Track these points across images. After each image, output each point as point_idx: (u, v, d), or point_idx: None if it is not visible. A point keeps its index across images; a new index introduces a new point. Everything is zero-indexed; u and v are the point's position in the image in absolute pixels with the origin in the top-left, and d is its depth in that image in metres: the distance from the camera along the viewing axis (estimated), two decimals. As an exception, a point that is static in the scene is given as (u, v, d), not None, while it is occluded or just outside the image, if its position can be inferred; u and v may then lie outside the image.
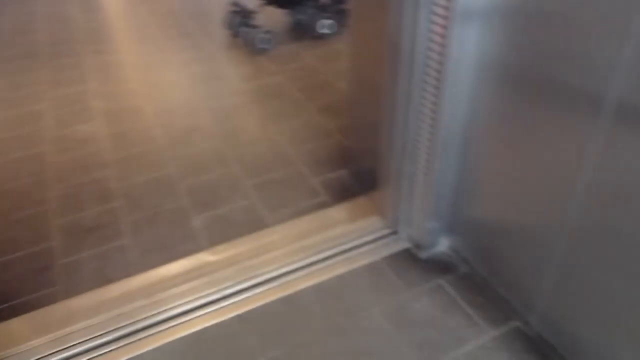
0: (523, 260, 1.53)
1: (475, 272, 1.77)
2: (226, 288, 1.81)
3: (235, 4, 3.75)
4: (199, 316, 1.73)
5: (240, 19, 3.69)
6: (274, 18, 3.95)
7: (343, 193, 2.22)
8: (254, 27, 3.59)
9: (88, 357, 1.61)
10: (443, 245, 1.90)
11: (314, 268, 1.87)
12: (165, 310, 1.73)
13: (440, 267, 1.84)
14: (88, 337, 1.66)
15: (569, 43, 1.16)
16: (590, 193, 1.22)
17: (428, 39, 1.46)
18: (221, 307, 1.76)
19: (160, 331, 1.68)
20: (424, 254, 1.88)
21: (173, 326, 1.69)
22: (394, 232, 2.00)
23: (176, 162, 2.51)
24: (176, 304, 1.76)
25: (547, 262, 1.42)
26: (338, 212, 2.14)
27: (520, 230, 1.50)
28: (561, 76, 1.20)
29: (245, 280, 1.83)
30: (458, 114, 1.55)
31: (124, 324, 1.69)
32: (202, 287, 1.82)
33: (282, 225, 2.09)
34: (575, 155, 1.23)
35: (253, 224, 2.10)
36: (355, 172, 2.29)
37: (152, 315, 1.72)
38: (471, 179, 1.64)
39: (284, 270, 1.86)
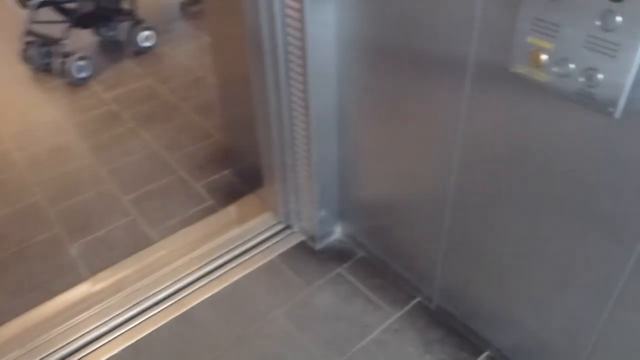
0: (415, 235, 1.52)
1: (372, 255, 1.75)
2: (114, 318, 1.66)
3: (32, 33, 3.10)
4: (87, 355, 1.56)
5: (45, 49, 3.12)
6: (82, 41, 3.45)
7: (230, 194, 2.12)
8: (66, 55, 2.98)
9: None
10: (338, 233, 1.87)
11: (207, 279, 1.76)
12: (45, 357, 1.55)
13: (337, 255, 1.80)
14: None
15: (424, 10, 1.14)
16: (465, 157, 1.22)
17: (285, 24, 1.38)
18: (111, 340, 1.61)
19: (42, 382, 1.50)
20: (319, 245, 1.83)
21: (57, 373, 1.52)
22: (287, 227, 1.94)
23: (42, 187, 2.27)
24: (58, 346, 1.58)
25: (437, 233, 1.42)
26: (226, 215, 2.04)
27: (408, 205, 1.48)
28: (423, 44, 1.18)
29: (134, 305, 1.69)
30: (329, 97, 1.50)
31: (-4, 382, 1.50)
32: (87, 322, 1.65)
33: (168, 239, 1.96)
34: (449, 122, 1.21)
35: (137, 243, 1.94)
36: (240, 170, 2.19)
37: (30, 366, 1.53)
38: (353, 161, 1.61)
39: (175, 287, 1.74)
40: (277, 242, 1.89)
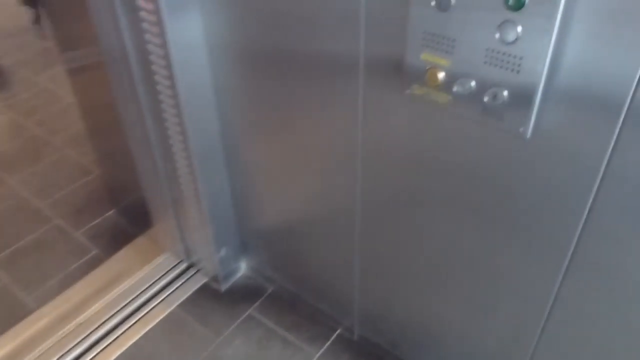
0: (326, 260, 1.38)
1: (284, 288, 1.60)
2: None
3: None
4: None
5: None
6: None
7: (117, 239, 1.88)
8: None
9: None
10: (243, 269, 1.69)
11: (100, 347, 1.53)
12: None
13: (245, 295, 1.63)
14: None
15: (303, 7, 0.98)
16: (368, 168, 1.09)
17: (144, 40, 1.17)
18: None
19: None
20: (224, 286, 1.65)
21: None
22: (189, 267, 1.74)
23: None
24: None
25: (349, 255, 1.29)
26: (115, 264, 1.80)
27: (314, 228, 1.34)
28: (307, 45, 1.02)
29: (13, 396, 1.42)
30: (208, 117, 1.32)
31: None
32: None
33: (49, 304, 1.69)
34: (346, 131, 1.07)
35: (12, 314, 1.66)
36: (125, 209, 1.95)
37: None
38: (247, 188, 1.44)
39: (60, 365, 1.49)
40: (178, 288, 1.69)
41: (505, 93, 0.77)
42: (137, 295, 1.67)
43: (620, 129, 0.72)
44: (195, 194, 1.43)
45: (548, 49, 0.70)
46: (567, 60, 0.72)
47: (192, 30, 1.17)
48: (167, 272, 1.74)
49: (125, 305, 1.65)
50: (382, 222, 1.15)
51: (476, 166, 0.90)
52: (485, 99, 0.79)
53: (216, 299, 1.62)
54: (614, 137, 0.73)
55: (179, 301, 1.64)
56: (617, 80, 0.69)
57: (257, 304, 1.60)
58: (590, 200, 0.81)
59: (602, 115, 0.72)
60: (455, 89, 0.81)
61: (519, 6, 0.69)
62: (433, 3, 0.77)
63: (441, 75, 0.82)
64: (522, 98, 0.76)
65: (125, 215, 1.96)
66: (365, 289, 1.33)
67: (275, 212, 1.43)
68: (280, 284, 1.60)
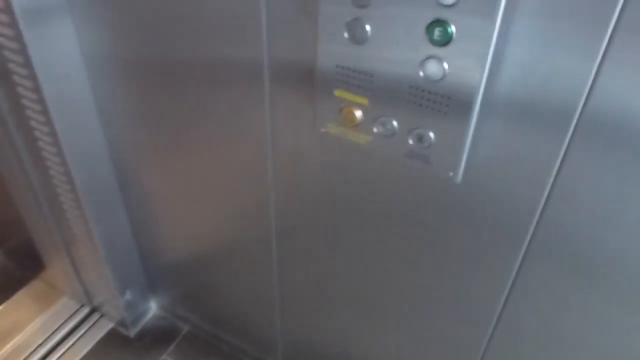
0: (242, 294, 1.25)
1: (200, 328, 1.46)
2: None
3: None
4: None
5: None
6: None
7: (5, 286, 1.65)
8: None
9: None
10: (154, 309, 1.53)
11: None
12: None
13: (158, 338, 1.47)
14: None
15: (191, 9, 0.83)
16: (280, 192, 0.97)
17: (5, 59, 0.98)
18: None
19: None
20: (134, 331, 1.48)
21: None
22: (92, 311, 1.55)
23: None
24: None
25: (267, 289, 1.17)
26: (9, 312, 1.57)
27: (227, 261, 1.21)
28: (202, 51, 0.87)
29: None
30: (95, 150, 1.15)
31: None
32: None
33: None
34: (252, 149, 0.93)
35: None
36: (12, 250, 1.72)
37: None
38: (149, 222, 1.28)
39: None
40: (82, 336, 1.50)
41: (432, 135, 0.68)
42: (36, 349, 1.47)
43: (556, 177, 0.65)
44: (87, 235, 1.25)
45: (479, 88, 0.61)
46: (501, 98, 0.63)
47: (63, 45, 0.99)
48: (68, 318, 1.55)
49: (18, 362, 1.44)
50: (300, 253, 1.04)
51: (400, 207, 0.81)
52: (410, 141, 0.70)
53: (126, 346, 1.46)
54: (549, 183, 0.66)
55: (84, 352, 1.45)
56: (556, 120, 0.62)
57: (171, 347, 1.45)
58: (525, 245, 0.74)
59: (540, 153, 0.65)
60: (375, 129, 0.71)
61: (445, 41, 0.60)
62: (346, 35, 0.66)
63: (359, 114, 0.72)
64: (450, 141, 0.67)
65: (12, 258, 1.73)
66: (288, 325, 1.23)
67: (183, 245, 1.28)
68: (196, 323, 1.46)
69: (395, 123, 0.70)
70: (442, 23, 0.59)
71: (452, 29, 0.59)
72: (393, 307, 0.98)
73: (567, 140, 0.62)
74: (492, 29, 0.57)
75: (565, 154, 0.63)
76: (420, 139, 0.69)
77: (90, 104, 1.09)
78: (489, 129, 0.66)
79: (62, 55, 0.99)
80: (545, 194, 0.68)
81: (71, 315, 1.55)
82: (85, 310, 1.55)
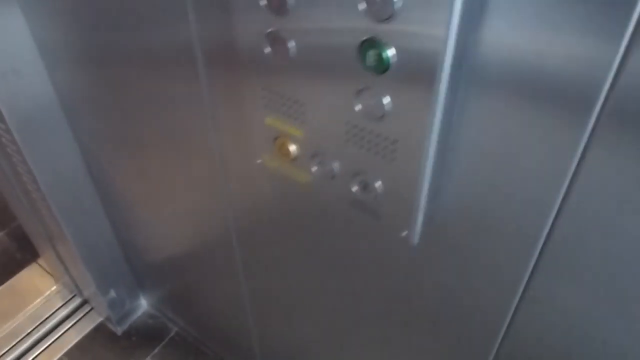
0: (218, 303, 1.13)
1: (188, 331, 1.36)
2: None
3: None
4: None
5: None
6: None
7: (5, 266, 1.61)
8: None
9: None
10: (144, 306, 1.45)
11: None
12: None
13: (145, 338, 1.39)
14: None
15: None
16: (238, 199, 0.82)
17: None
18: None
19: None
20: (121, 327, 1.41)
21: None
22: (84, 302, 1.49)
23: None
24: None
25: (237, 295, 1.04)
26: (5, 294, 1.55)
27: (199, 263, 1.09)
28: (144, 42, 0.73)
29: None
30: (60, 147, 1.05)
31: None
32: None
33: None
34: (205, 153, 0.79)
35: None
36: (16, 230, 1.68)
37: None
38: (130, 221, 1.18)
39: None
40: (70, 328, 1.45)
41: (379, 184, 0.51)
42: (23, 338, 1.43)
43: (542, 251, 0.48)
44: (61, 234, 1.16)
45: (431, 129, 0.44)
46: (464, 140, 0.46)
47: (14, 36, 0.88)
48: (60, 308, 1.50)
49: (8, 351, 1.41)
50: (264, 262, 0.90)
51: (351, 259, 0.65)
52: (354, 188, 0.53)
53: (112, 343, 1.39)
54: (534, 256, 0.49)
55: (70, 345, 1.40)
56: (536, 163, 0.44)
57: (157, 348, 1.37)
58: (507, 321, 0.57)
59: (526, 209, 0.48)
60: (313, 168, 0.55)
61: (382, 68, 0.43)
62: (267, 50, 0.50)
63: (293, 148, 0.56)
64: (401, 193, 0.50)
65: (15, 238, 1.69)
66: (264, 335, 1.10)
67: (163, 246, 1.17)
68: (183, 325, 1.37)
69: (335, 164, 0.54)
70: (377, 44, 0.42)
71: (390, 52, 0.42)
72: (357, 323, 0.84)
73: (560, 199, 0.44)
74: (445, 51, 0.39)
75: (557, 215, 0.45)
76: (365, 187, 0.53)
77: (50, 97, 0.97)
78: (456, 176, 0.49)
79: (15, 47, 0.89)
80: (529, 269, 0.51)
81: (62, 305, 1.49)
82: (77, 300, 1.49)
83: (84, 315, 1.47)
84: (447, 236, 0.54)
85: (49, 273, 1.56)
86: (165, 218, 1.07)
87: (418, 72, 0.41)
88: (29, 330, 1.44)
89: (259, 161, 0.61)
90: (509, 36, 0.38)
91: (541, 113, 0.40)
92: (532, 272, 0.51)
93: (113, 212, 1.20)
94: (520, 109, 0.41)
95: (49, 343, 1.42)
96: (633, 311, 0.46)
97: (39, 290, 1.53)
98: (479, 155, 0.46)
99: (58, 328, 1.45)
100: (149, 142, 0.88)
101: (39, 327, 1.45)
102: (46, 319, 1.47)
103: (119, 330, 1.40)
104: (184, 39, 0.61)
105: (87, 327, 1.44)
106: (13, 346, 1.41)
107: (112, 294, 1.32)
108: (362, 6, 0.41)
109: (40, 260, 1.57)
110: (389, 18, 0.40)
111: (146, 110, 0.82)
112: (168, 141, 0.83)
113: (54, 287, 1.53)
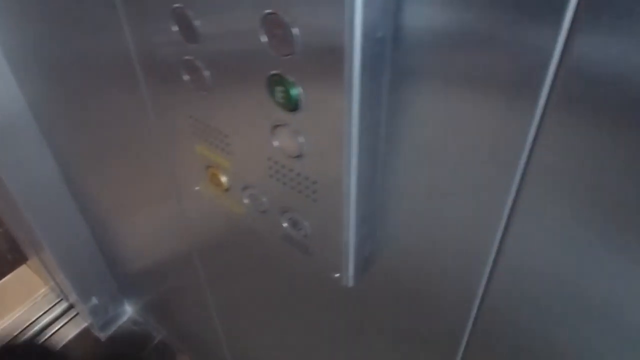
0: (191, 311, 1.11)
1: (170, 339, 1.35)
2: None
3: None
4: None
5: None
6: None
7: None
8: None
9: None
10: (130, 312, 1.44)
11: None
12: None
13: (129, 345, 1.38)
14: None
15: None
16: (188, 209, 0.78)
17: None
18: None
19: None
20: (104, 335, 1.39)
21: None
22: (70, 307, 1.48)
23: None
24: None
25: (207, 303, 1.01)
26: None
27: (168, 272, 1.06)
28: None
29: None
30: (31, 154, 1.03)
31: None
32: None
33: None
34: (152, 159, 0.75)
35: None
36: (7, 232, 1.67)
37: None
38: (109, 229, 1.16)
39: None
40: (56, 332, 1.44)
41: (307, 224, 0.47)
42: (9, 342, 1.43)
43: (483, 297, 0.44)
44: (37, 241, 1.15)
45: (349, 171, 0.40)
46: (393, 179, 0.42)
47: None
48: (47, 311, 1.49)
49: (-8, 355, 1.40)
50: (225, 275, 0.86)
51: (290, 290, 0.62)
52: (284, 224, 0.50)
53: (95, 349, 1.38)
54: (478, 296, 0.45)
55: (55, 350, 1.39)
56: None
57: (142, 353, 1.35)
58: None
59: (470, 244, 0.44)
60: (245, 200, 0.52)
61: (290, 106, 0.39)
62: (186, 77, 0.47)
63: (224, 178, 0.52)
64: (329, 235, 0.46)
65: (8, 240, 1.69)
66: (232, 343, 1.07)
67: (139, 254, 1.15)
68: (166, 334, 1.35)
69: (264, 199, 0.50)
70: (283, 81, 0.38)
71: (297, 90, 0.38)
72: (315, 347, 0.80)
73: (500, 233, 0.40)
74: (350, 91, 0.35)
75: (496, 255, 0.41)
76: (294, 224, 0.49)
77: (22, 105, 0.95)
78: (391, 215, 0.45)
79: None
80: (474, 311, 0.47)
81: (49, 309, 1.49)
82: (64, 304, 1.48)
83: (70, 319, 1.46)
84: (387, 280, 0.50)
85: (36, 277, 1.55)
86: (138, 228, 1.04)
87: (329, 112, 0.38)
88: (15, 334, 1.44)
89: (197, 188, 0.58)
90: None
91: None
92: (478, 307, 0.47)
93: (92, 221, 1.18)
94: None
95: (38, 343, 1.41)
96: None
97: (27, 293, 1.53)
98: (413, 193, 0.42)
99: (45, 332, 1.45)
100: (110, 154, 0.86)
101: (25, 331, 1.45)
102: (33, 322, 1.47)
103: (102, 336, 1.39)
104: (123, 53, 0.58)
105: (72, 331, 1.43)
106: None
107: (94, 300, 1.31)
108: (263, 39, 0.37)
109: (30, 263, 1.57)
110: (290, 54, 0.36)
111: (105, 124, 0.80)
112: (126, 154, 0.81)
113: (42, 290, 1.52)
